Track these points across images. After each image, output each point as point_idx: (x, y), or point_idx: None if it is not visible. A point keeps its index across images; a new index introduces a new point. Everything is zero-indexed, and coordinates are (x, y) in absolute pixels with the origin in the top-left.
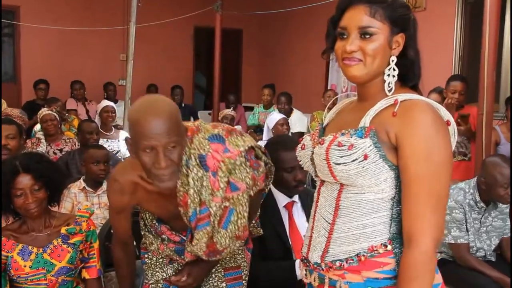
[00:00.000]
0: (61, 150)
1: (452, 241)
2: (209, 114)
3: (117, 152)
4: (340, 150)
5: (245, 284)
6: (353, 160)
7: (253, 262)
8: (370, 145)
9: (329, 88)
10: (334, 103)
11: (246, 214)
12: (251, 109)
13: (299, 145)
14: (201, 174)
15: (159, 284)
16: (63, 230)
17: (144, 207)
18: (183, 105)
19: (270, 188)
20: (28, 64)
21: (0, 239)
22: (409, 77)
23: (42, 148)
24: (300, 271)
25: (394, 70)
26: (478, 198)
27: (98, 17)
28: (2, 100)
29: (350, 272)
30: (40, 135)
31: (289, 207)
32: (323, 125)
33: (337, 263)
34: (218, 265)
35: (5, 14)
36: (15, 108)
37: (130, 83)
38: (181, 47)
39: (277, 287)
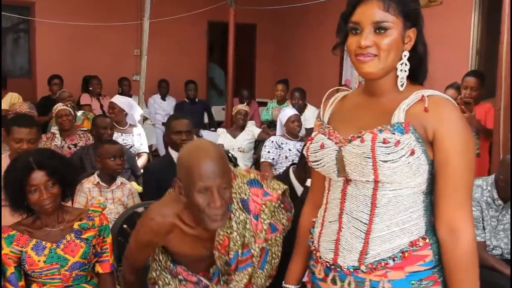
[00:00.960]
0: (75, 145)
1: None
2: (223, 109)
3: (131, 146)
4: (386, 147)
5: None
6: (401, 157)
7: None
8: (414, 140)
9: (343, 83)
10: (328, 98)
11: (279, 254)
12: (264, 104)
13: (315, 144)
14: (243, 217)
15: None
16: (76, 225)
17: (172, 248)
18: (196, 100)
19: (290, 180)
20: (43, 59)
21: (0, 237)
22: (417, 73)
23: (57, 143)
24: (286, 278)
25: (406, 65)
26: (496, 196)
27: (112, 12)
28: (17, 95)
29: (393, 270)
30: (55, 130)
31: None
32: (326, 122)
33: (382, 263)
34: None
35: (20, 10)
36: (31, 102)
37: (144, 78)
38: (194, 42)
39: None
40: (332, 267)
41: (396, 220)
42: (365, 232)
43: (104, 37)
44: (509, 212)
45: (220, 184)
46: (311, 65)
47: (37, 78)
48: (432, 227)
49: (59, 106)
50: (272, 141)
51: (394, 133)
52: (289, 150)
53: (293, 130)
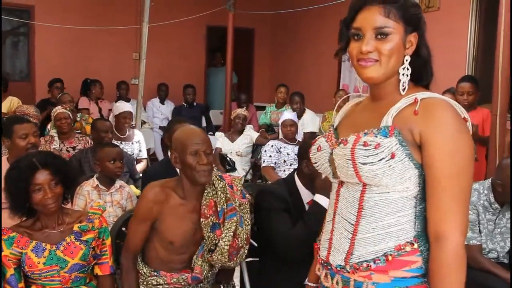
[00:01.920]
0: (74, 148)
1: (465, 242)
2: (221, 113)
3: (131, 155)
4: (366, 149)
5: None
6: (380, 159)
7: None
8: (396, 144)
9: (340, 88)
10: (344, 102)
11: (249, 223)
12: (262, 108)
13: (314, 147)
14: (222, 184)
15: None
16: (75, 227)
17: (164, 224)
18: (195, 104)
19: (296, 185)
20: (42, 63)
21: (0, 238)
22: (421, 76)
23: (55, 145)
24: (308, 277)
25: (408, 69)
26: (492, 200)
27: (112, 16)
28: (17, 99)
29: (377, 272)
30: (53, 133)
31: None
32: (334, 126)
33: (364, 264)
34: None
35: (20, 13)
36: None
37: (142, 82)
38: (193, 46)
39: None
40: (325, 264)
41: (382, 223)
42: (352, 232)
43: (103, 40)
44: (506, 215)
45: (205, 149)
46: (309, 70)
47: (36, 81)
48: (426, 234)
49: (58, 109)
50: (272, 145)
51: (376, 136)
52: (288, 154)
53: (286, 134)
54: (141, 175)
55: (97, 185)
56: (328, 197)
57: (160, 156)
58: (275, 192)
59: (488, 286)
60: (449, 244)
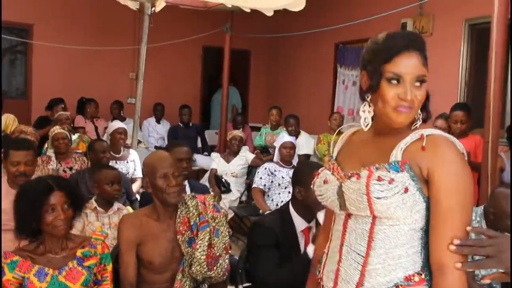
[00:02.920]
0: (71, 168)
1: None
2: (216, 133)
3: (126, 174)
4: (380, 184)
5: None
6: (394, 194)
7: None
8: (408, 178)
9: (335, 111)
10: (338, 125)
11: (227, 233)
12: (257, 129)
13: (319, 180)
14: (195, 202)
15: None
16: (78, 252)
17: (144, 249)
18: (190, 124)
19: (290, 212)
20: (39, 81)
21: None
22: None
23: (53, 166)
24: None
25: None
26: (485, 227)
27: (109, 37)
28: (13, 117)
29: None
30: (50, 152)
31: (306, 232)
32: (334, 157)
33: None
34: None
35: (19, 32)
36: (26, 125)
37: (139, 102)
38: (189, 66)
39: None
40: None
41: (392, 254)
42: (362, 264)
43: (100, 60)
44: None
45: (173, 171)
46: (303, 92)
47: (33, 99)
48: (429, 264)
49: (56, 130)
50: (266, 168)
51: (389, 171)
52: (282, 177)
53: (284, 156)
54: (137, 196)
55: (95, 207)
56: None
57: None
58: (266, 227)
59: None
60: (452, 276)
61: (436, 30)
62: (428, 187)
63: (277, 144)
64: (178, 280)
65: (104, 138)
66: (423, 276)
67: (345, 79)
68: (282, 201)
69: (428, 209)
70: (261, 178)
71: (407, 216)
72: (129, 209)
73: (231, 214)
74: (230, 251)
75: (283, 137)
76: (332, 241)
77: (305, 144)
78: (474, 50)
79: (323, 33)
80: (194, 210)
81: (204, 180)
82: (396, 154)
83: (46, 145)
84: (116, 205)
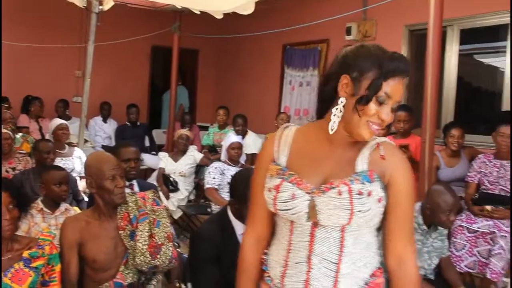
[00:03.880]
0: (13, 169)
1: None
2: (164, 132)
3: (72, 170)
4: (361, 198)
5: None
6: (373, 205)
7: None
8: (379, 188)
9: (282, 110)
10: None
11: (169, 225)
12: (205, 128)
13: (285, 194)
14: (134, 198)
15: None
16: (25, 254)
17: (85, 247)
18: (138, 123)
19: (228, 216)
20: None
21: None
22: None
23: None
24: None
25: None
26: (421, 222)
27: (54, 34)
28: None
29: None
30: None
31: None
32: (284, 165)
33: None
34: None
35: None
36: None
37: (86, 101)
38: (137, 65)
39: None
40: None
41: (360, 256)
42: (335, 271)
43: (45, 57)
44: (432, 236)
45: (120, 173)
46: (251, 92)
47: None
48: (382, 259)
49: None
50: (216, 167)
51: (364, 183)
52: (231, 176)
53: (232, 156)
54: (83, 195)
55: (42, 208)
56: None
57: None
58: (206, 239)
59: None
60: (412, 268)
61: (379, 35)
62: (388, 191)
63: (224, 144)
64: (120, 272)
65: (47, 137)
66: (381, 270)
67: (291, 80)
68: None
69: (384, 212)
70: (214, 178)
71: (373, 221)
72: (76, 209)
73: (179, 213)
74: (179, 249)
75: (230, 137)
76: (292, 251)
77: (252, 143)
78: (414, 54)
79: (271, 34)
80: (133, 205)
81: (152, 179)
82: (362, 165)
83: None
84: (63, 206)
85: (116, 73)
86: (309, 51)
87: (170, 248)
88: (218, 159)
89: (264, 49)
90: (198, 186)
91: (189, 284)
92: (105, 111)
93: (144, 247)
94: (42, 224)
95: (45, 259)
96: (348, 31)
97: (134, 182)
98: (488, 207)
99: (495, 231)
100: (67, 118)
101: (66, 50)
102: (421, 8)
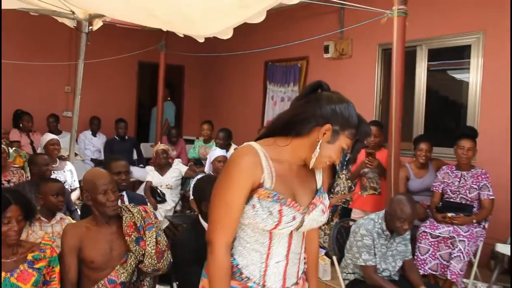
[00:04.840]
0: (8, 181)
1: (363, 264)
2: (151, 146)
3: (64, 182)
4: (328, 210)
5: None
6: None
7: None
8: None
9: (265, 124)
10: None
11: (164, 236)
12: (191, 142)
13: (288, 218)
14: (137, 209)
15: None
16: (29, 256)
17: (84, 250)
18: (126, 137)
19: (201, 223)
20: None
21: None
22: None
23: None
24: None
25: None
26: (384, 227)
27: (44, 52)
28: None
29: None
30: None
31: None
32: (272, 188)
33: (304, 275)
34: None
35: None
36: None
37: (77, 117)
38: (125, 81)
39: None
40: None
41: (302, 247)
42: (298, 259)
43: (35, 74)
44: (396, 240)
45: (112, 187)
46: (235, 107)
47: None
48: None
49: None
50: None
51: (326, 198)
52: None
53: (217, 169)
54: (75, 206)
55: (39, 217)
56: None
57: None
58: (184, 244)
59: None
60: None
61: (355, 53)
62: None
63: (209, 158)
64: (115, 270)
65: (39, 151)
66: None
67: (273, 95)
68: None
69: None
70: None
71: None
72: (70, 219)
73: (166, 223)
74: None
75: (215, 150)
76: (272, 256)
77: None
78: (386, 72)
79: (253, 53)
80: (138, 215)
81: (140, 191)
82: (319, 181)
83: None
84: (59, 215)
85: (104, 89)
86: (289, 68)
87: (169, 255)
88: (203, 172)
89: (247, 65)
90: (184, 198)
91: (174, 284)
92: (94, 125)
93: (153, 251)
94: (39, 232)
95: (47, 261)
96: (326, 49)
97: (124, 193)
98: (449, 214)
99: (454, 236)
100: (58, 132)
101: (56, 67)
102: (390, 28)
